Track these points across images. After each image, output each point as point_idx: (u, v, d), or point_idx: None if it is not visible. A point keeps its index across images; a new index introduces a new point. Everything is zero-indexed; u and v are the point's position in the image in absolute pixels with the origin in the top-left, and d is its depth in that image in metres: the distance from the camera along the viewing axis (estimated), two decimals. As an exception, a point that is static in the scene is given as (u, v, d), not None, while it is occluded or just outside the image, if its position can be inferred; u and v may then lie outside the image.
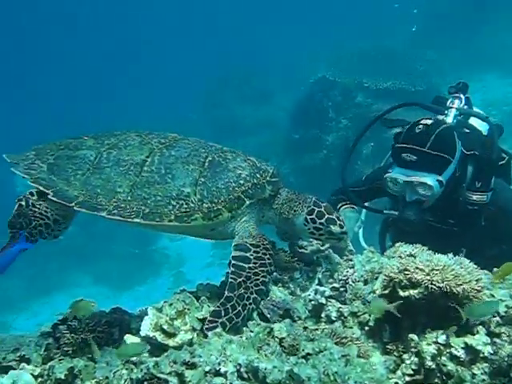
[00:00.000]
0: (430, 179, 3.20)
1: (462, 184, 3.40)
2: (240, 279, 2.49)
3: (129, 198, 2.68)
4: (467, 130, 3.55)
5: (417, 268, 2.18)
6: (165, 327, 2.32)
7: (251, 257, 2.59)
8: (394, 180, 3.34)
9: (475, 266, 2.25)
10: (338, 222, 2.74)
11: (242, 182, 2.76)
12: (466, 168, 3.42)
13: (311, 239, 2.89)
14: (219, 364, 1.72)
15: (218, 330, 2.09)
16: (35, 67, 29.83)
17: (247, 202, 2.74)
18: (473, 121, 3.66)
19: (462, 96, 3.73)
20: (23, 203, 2.82)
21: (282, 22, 26.26)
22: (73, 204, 2.69)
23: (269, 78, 18.49)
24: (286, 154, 13.02)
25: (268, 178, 2.84)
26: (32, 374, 2.43)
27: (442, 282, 2.11)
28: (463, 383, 1.88)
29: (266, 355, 1.78)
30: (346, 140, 11.18)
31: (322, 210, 2.77)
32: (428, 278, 2.13)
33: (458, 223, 3.45)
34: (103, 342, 2.67)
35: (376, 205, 4.05)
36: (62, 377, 2.47)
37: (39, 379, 2.50)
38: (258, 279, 2.50)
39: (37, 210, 2.84)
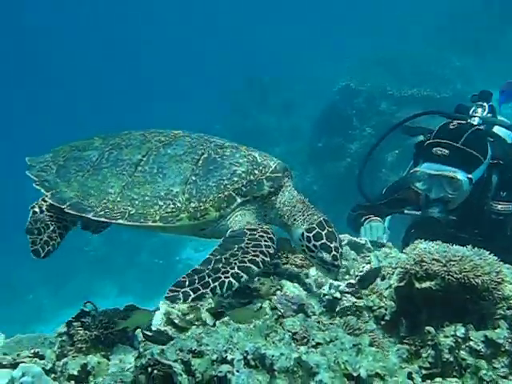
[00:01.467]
0: (460, 174, 3.14)
1: (487, 194, 3.36)
2: (221, 256, 2.37)
3: (118, 199, 2.66)
4: (491, 139, 3.49)
5: (433, 259, 2.10)
6: (176, 321, 2.28)
7: (245, 238, 2.47)
8: (422, 175, 3.28)
9: (496, 258, 2.16)
10: (333, 253, 2.52)
11: (235, 179, 2.66)
12: (490, 177, 3.38)
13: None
14: (226, 352, 1.68)
15: (180, 299, 2.17)
16: (70, 71, 30.60)
17: (238, 200, 2.63)
18: (497, 129, 3.61)
19: (485, 104, 3.68)
20: (37, 209, 2.87)
21: (305, 31, 26.35)
22: (64, 206, 2.71)
23: (293, 88, 18.53)
24: (310, 162, 12.99)
25: (268, 174, 2.73)
26: (44, 369, 2.42)
27: (460, 273, 2.03)
28: (481, 374, 1.78)
29: (273, 342, 1.73)
30: (370, 148, 11.07)
31: (323, 233, 2.58)
32: (445, 268, 2.06)
33: (482, 234, 3.36)
34: (117, 339, 2.65)
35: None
36: (75, 373, 2.45)
37: (52, 375, 2.49)
38: (246, 257, 2.35)
39: (53, 214, 2.86)
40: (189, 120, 21.17)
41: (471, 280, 2.02)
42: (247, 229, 2.55)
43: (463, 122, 3.36)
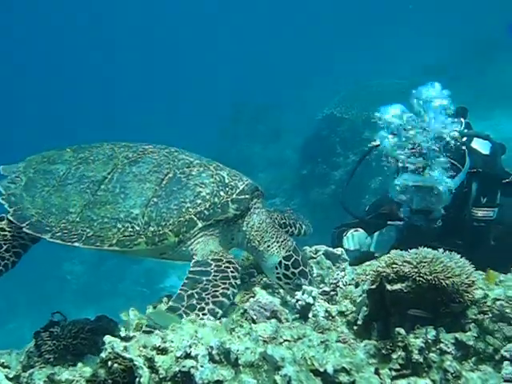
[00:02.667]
0: (439, 184, 3.15)
1: (468, 201, 3.39)
2: (192, 291, 2.30)
3: (77, 220, 2.59)
4: (468, 151, 3.53)
5: (404, 261, 2.09)
6: (145, 329, 2.25)
7: (211, 270, 2.39)
8: (403, 187, 3.28)
9: (466, 261, 2.16)
10: (309, 278, 2.60)
11: (198, 201, 2.59)
12: (470, 185, 3.42)
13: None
14: (190, 347, 1.64)
15: None
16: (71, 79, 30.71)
17: (199, 225, 2.55)
18: (474, 144, 3.63)
19: (462, 120, 3.73)
20: None
21: (291, 60, 26.72)
22: (24, 225, 2.64)
23: (279, 115, 18.74)
24: (295, 189, 13.04)
25: (234, 196, 2.66)
26: (6, 377, 2.35)
27: (430, 275, 2.02)
28: (445, 366, 1.76)
29: (238, 337, 1.70)
30: (354, 175, 11.14)
31: (299, 259, 2.62)
32: (416, 270, 2.04)
33: (465, 244, 3.35)
34: (86, 350, 2.59)
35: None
36: (41, 383, 2.38)
37: (17, 386, 2.41)
38: (218, 290, 2.29)
39: (11, 230, 2.77)
40: (175, 145, 21.27)
41: (441, 281, 2.01)
42: (212, 259, 2.47)
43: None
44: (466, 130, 3.68)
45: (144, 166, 2.72)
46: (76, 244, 2.50)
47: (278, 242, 2.66)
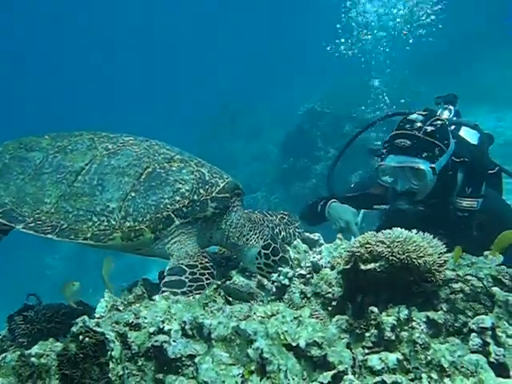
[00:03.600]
0: (423, 165, 3.15)
1: (453, 191, 3.36)
2: None
3: (52, 211, 2.51)
4: (455, 140, 3.46)
5: (378, 241, 2.11)
6: (120, 308, 2.24)
7: (186, 280, 2.31)
8: (387, 168, 3.26)
9: (439, 242, 2.19)
10: (290, 263, 2.59)
11: (177, 198, 2.54)
12: (456, 175, 3.38)
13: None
14: (163, 322, 1.64)
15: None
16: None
17: (177, 222, 2.50)
18: (462, 132, 3.60)
19: (451, 107, 3.72)
20: None
21: (273, 57, 26.78)
22: None
23: (259, 114, 18.76)
24: (276, 183, 13.08)
25: (214, 194, 2.62)
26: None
27: (403, 254, 2.04)
28: (414, 337, 1.78)
29: (211, 312, 1.70)
30: (335, 169, 11.22)
31: (278, 246, 2.61)
32: (389, 249, 2.07)
33: (448, 233, 3.31)
34: (61, 334, 2.57)
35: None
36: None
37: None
38: None
39: None
40: (157, 139, 21.21)
41: (414, 261, 2.04)
42: (186, 265, 2.40)
43: (423, 113, 3.32)
44: (454, 118, 3.69)
45: (123, 158, 2.64)
46: (49, 236, 2.43)
47: (255, 234, 2.65)
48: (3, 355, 2.42)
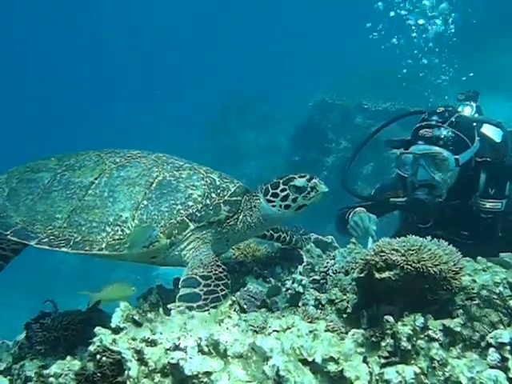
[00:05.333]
0: (446, 152, 3.11)
1: (476, 192, 3.29)
2: None
3: (64, 225, 2.51)
4: (478, 138, 3.40)
5: (393, 249, 2.09)
6: (136, 318, 2.25)
7: (201, 292, 2.29)
8: (408, 158, 3.22)
9: (454, 249, 2.17)
10: (297, 175, 2.54)
11: (190, 203, 2.54)
12: (478, 176, 3.32)
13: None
14: (179, 339, 1.65)
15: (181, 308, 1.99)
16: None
17: (191, 226, 2.50)
18: (485, 129, 3.52)
19: (473, 104, 3.67)
20: None
21: (283, 47, 26.65)
22: (8, 232, 2.55)
23: (270, 104, 18.70)
24: (287, 176, 13.06)
25: (226, 198, 2.62)
26: (-3, 369, 2.36)
27: (418, 263, 2.03)
28: (431, 354, 1.78)
29: (227, 328, 1.70)
30: (346, 161, 11.19)
31: (274, 180, 2.59)
32: (403, 258, 2.05)
33: (472, 235, 3.30)
34: (77, 341, 2.59)
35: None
36: (32, 375, 2.39)
37: (8, 377, 2.43)
38: None
39: None
40: (167, 137, 21.30)
41: (429, 269, 2.02)
42: (200, 276, 2.37)
43: (450, 108, 3.32)
44: (476, 115, 3.64)
45: (132, 169, 2.65)
46: (64, 249, 2.44)
47: (253, 196, 2.66)
48: (21, 363, 2.48)
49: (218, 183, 2.67)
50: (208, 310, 2.17)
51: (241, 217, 2.65)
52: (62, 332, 2.59)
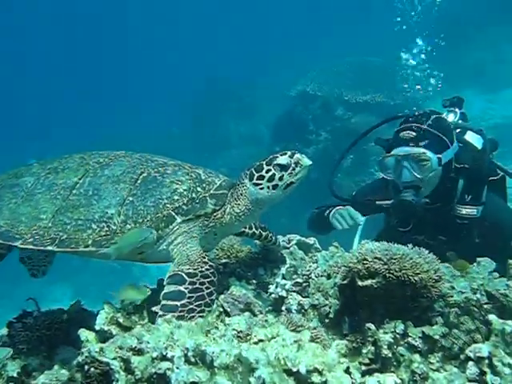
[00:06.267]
0: (428, 151, 3.16)
1: (454, 198, 3.34)
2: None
3: (49, 225, 2.50)
4: (461, 145, 3.46)
5: (375, 257, 2.14)
6: (120, 320, 2.27)
7: (185, 290, 2.29)
8: (390, 161, 3.26)
9: (434, 257, 2.23)
10: (280, 153, 2.51)
11: (176, 197, 2.54)
12: (457, 182, 3.37)
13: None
14: (166, 349, 1.67)
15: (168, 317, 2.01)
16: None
17: (178, 220, 2.50)
18: (468, 136, 3.56)
19: (457, 110, 3.72)
20: None
21: (264, 36, 26.54)
22: None
23: (252, 92, 18.66)
24: (268, 166, 13.07)
25: (212, 191, 2.62)
26: (-22, 369, 2.35)
27: (400, 271, 2.08)
28: (413, 367, 1.84)
29: (214, 339, 1.73)
30: (326, 153, 11.27)
31: (257, 163, 2.55)
32: (386, 267, 2.10)
33: (450, 240, 3.34)
34: (60, 340, 2.60)
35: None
36: (15, 375, 2.40)
37: (-11, 377, 2.42)
38: (194, 316, 2.20)
39: None
40: (148, 123, 21.12)
41: (410, 278, 2.08)
42: (186, 274, 2.36)
43: (428, 111, 3.37)
44: (460, 121, 3.69)
45: (117, 168, 2.65)
46: (49, 248, 2.42)
47: (238, 184, 2.63)
48: (4, 363, 2.47)
49: (203, 177, 2.68)
50: (192, 308, 2.20)
51: (228, 209, 2.64)
52: (44, 332, 2.59)
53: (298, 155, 2.52)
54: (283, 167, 2.49)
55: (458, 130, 3.47)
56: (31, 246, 2.45)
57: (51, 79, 30.08)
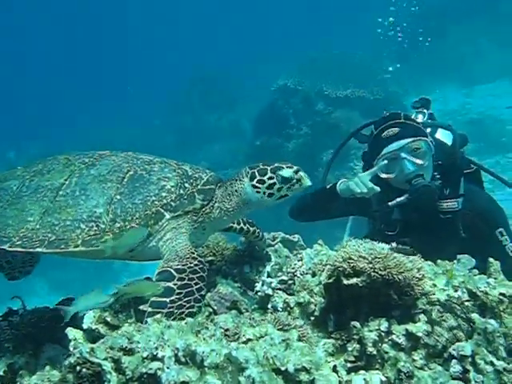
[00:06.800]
0: (418, 138, 3.22)
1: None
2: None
3: (37, 227, 2.49)
4: (433, 143, 3.44)
5: (360, 256, 2.19)
6: (108, 319, 2.28)
7: (174, 286, 2.30)
8: (388, 160, 3.25)
9: (417, 257, 2.28)
10: (285, 165, 2.56)
11: (164, 194, 2.56)
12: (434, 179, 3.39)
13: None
14: (156, 349, 1.69)
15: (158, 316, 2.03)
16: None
17: (167, 216, 2.52)
18: (438, 134, 3.60)
19: (425, 111, 3.77)
20: None
21: (247, 29, 26.52)
22: None
23: (233, 86, 18.65)
24: (248, 160, 13.06)
25: (200, 187, 2.65)
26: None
27: (384, 270, 2.13)
28: (399, 366, 1.89)
29: (204, 339, 1.76)
30: (306, 147, 11.34)
31: (260, 166, 2.59)
32: (370, 265, 2.14)
33: (437, 238, 3.34)
34: (46, 338, 2.60)
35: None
36: (1, 373, 2.40)
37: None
38: (183, 312, 2.21)
39: None
40: (129, 115, 20.98)
41: (394, 276, 2.12)
42: (175, 270, 2.37)
43: (394, 111, 3.43)
44: (429, 121, 3.75)
45: (103, 167, 2.65)
46: (38, 249, 2.41)
47: (235, 180, 2.67)
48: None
49: (190, 173, 2.70)
50: (181, 304, 2.21)
51: (216, 204, 2.68)
52: (30, 330, 2.59)
53: (301, 173, 2.58)
54: (285, 180, 2.55)
55: (428, 130, 3.52)
56: (20, 249, 2.43)
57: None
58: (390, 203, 3.37)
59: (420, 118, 3.69)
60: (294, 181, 2.56)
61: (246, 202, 2.65)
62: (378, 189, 3.22)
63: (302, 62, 14.18)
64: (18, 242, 2.44)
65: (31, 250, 2.42)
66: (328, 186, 3.56)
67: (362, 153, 3.65)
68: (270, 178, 2.55)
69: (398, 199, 3.32)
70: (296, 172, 2.56)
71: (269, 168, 2.57)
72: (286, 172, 2.53)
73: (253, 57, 21.56)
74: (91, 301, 2.21)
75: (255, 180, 2.57)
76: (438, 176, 3.36)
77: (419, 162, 3.23)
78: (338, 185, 3.49)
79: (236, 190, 2.64)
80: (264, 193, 2.57)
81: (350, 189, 3.31)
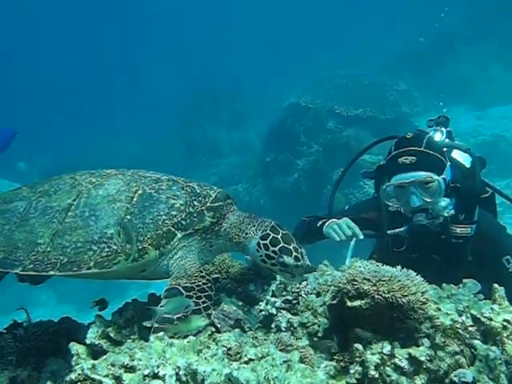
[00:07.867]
0: (433, 174, 3.16)
1: (447, 218, 3.31)
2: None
3: (48, 249, 2.47)
4: (450, 163, 3.43)
5: (364, 278, 2.19)
6: (111, 335, 2.29)
7: None
8: (394, 189, 3.24)
9: (422, 279, 2.28)
10: (294, 254, 2.51)
11: (174, 213, 2.56)
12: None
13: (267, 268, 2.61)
14: (158, 367, 1.70)
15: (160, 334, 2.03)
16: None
17: (179, 235, 2.53)
18: (455, 154, 3.56)
19: (443, 129, 3.74)
20: None
21: (258, 45, 26.75)
22: None
23: (244, 102, 18.78)
24: (258, 176, 13.15)
25: (208, 204, 2.65)
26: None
27: (388, 293, 2.13)
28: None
29: (205, 358, 1.76)
30: (317, 165, 11.36)
31: (279, 237, 2.54)
32: (375, 288, 2.14)
33: (443, 260, 3.35)
34: (50, 352, 2.61)
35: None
36: (4, 387, 2.40)
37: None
38: None
39: None
40: (139, 128, 21.15)
41: (398, 300, 2.12)
42: (183, 287, 2.37)
43: (417, 132, 3.38)
44: (447, 140, 3.71)
45: (111, 187, 2.64)
46: (51, 272, 2.40)
47: (254, 226, 2.64)
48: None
49: (198, 191, 2.71)
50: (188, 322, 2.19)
51: (228, 226, 2.69)
52: (34, 343, 2.60)
53: (301, 270, 2.53)
54: (283, 264, 2.51)
55: (444, 149, 3.49)
56: (32, 273, 2.42)
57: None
58: (388, 231, 3.38)
59: (438, 137, 3.65)
60: (290, 269, 2.52)
61: (244, 248, 2.67)
62: (360, 236, 3.26)
63: (314, 79, 14.26)
64: (29, 266, 2.43)
65: (44, 273, 2.41)
66: (318, 224, 3.56)
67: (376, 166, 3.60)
68: (273, 252, 2.52)
69: (397, 230, 3.34)
70: (297, 261, 2.52)
71: (281, 244, 2.53)
72: (288, 260, 2.49)
73: (264, 73, 21.72)
74: (177, 304, 2.22)
75: (262, 241, 2.55)
76: (452, 201, 3.33)
77: (427, 199, 3.21)
78: (324, 227, 3.50)
79: (246, 233, 2.64)
80: (260, 255, 2.56)
81: (331, 237, 3.37)
